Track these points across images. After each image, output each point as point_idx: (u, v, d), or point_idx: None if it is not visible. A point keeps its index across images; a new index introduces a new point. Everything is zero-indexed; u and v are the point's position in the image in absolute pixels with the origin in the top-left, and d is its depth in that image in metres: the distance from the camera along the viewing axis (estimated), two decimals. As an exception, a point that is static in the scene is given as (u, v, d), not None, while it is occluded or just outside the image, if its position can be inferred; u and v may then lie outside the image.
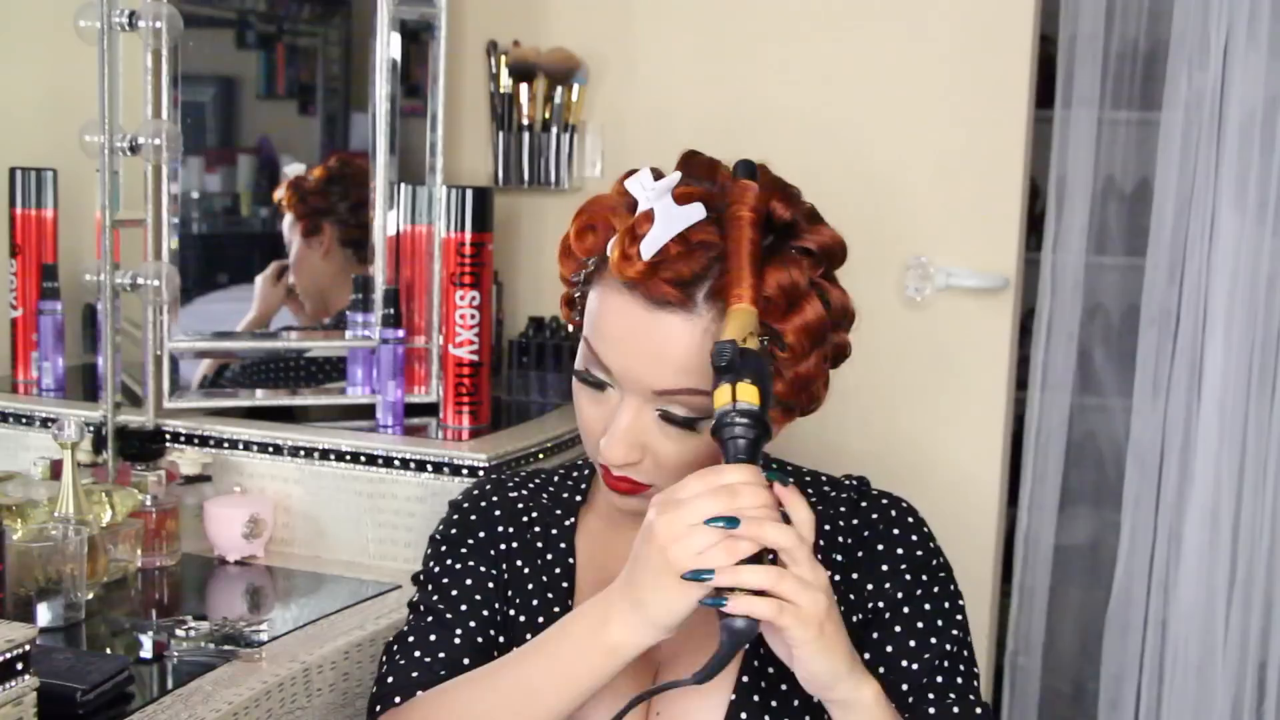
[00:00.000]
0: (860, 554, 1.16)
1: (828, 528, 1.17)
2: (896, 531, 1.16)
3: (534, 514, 1.25)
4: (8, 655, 1.11)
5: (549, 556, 1.23)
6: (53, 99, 2.15)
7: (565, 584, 1.21)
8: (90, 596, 1.49)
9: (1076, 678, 2.60)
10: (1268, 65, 2.11)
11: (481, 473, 1.68)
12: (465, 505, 1.27)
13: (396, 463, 1.73)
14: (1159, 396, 2.25)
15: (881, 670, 1.12)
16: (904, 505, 1.19)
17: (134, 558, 1.63)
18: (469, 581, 1.22)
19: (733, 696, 1.12)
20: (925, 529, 1.18)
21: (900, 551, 1.15)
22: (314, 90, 2.13)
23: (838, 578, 1.15)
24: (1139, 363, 2.28)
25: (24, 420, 1.89)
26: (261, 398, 1.92)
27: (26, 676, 1.13)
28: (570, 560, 1.22)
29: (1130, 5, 2.35)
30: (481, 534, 1.24)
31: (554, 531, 1.23)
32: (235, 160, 2.10)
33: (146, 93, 1.75)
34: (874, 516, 1.17)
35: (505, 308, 2.26)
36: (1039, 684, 2.45)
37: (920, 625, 1.13)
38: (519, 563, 1.23)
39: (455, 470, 1.70)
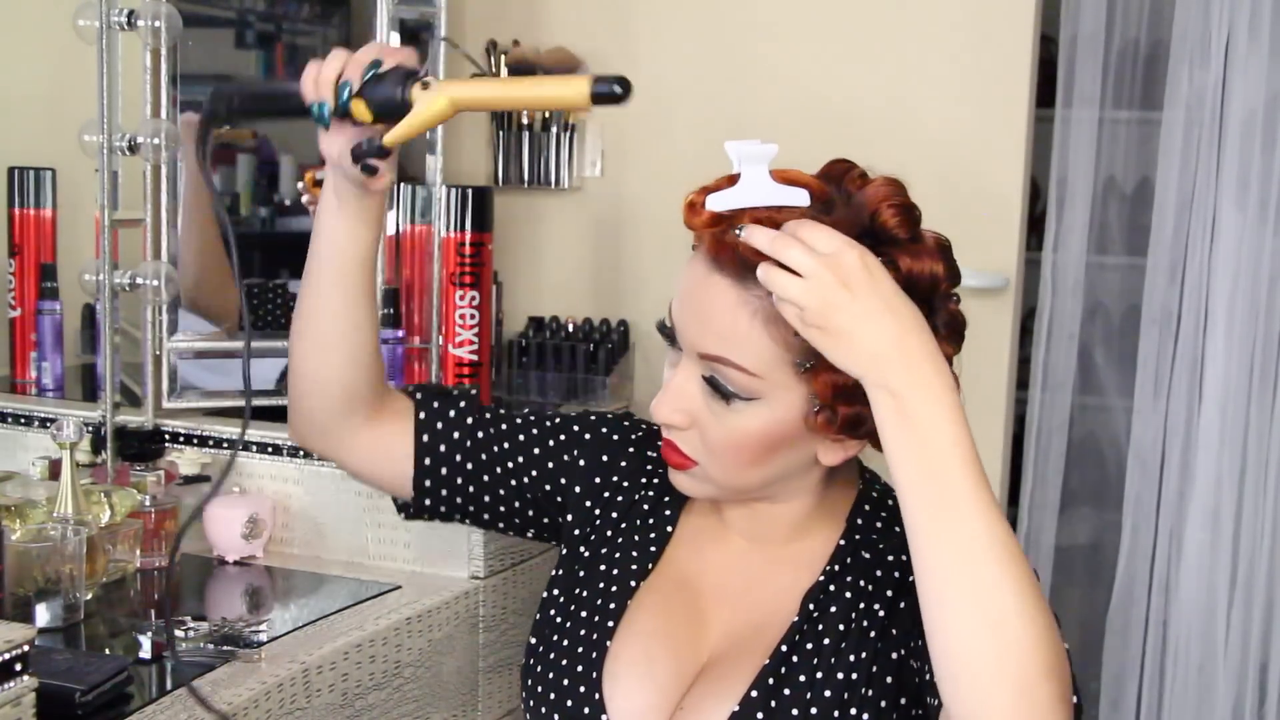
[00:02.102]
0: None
1: (882, 545, 1.12)
2: None
3: (655, 478, 1.22)
4: (7, 656, 1.10)
5: (650, 520, 1.20)
6: (52, 98, 2.14)
7: (653, 549, 1.18)
8: (89, 597, 1.48)
9: (1077, 677, 2.59)
10: (1269, 65, 2.11)
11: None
12: (626, 423, 1.26)
13: (396, 463, 1.72)
14: (1160, 396, 2.25)
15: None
16: None
17: (133, 558, 1.63)
18: (556, 439, 1.23)
19: (735, 708, 1.08)
20: None
21: None
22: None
23: (886, 609, 1.08)
24: (1140, 363, 2.28)
25: (23, 420, 1.89)
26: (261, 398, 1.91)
27: (25, 677, 1.13)
28: (669, 530, 1.19)
29: (1131, 5, 2.35)
30: (605, 448, 1.23)
31: (667, 500, 1.20)
32: (235, 160, 2.10)
33: (145, 92, 1.75)
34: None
35: (505, 308, 2.25)
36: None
37: None
38: (613, 514, 1.21)
39: (455, 470, 1.69)
